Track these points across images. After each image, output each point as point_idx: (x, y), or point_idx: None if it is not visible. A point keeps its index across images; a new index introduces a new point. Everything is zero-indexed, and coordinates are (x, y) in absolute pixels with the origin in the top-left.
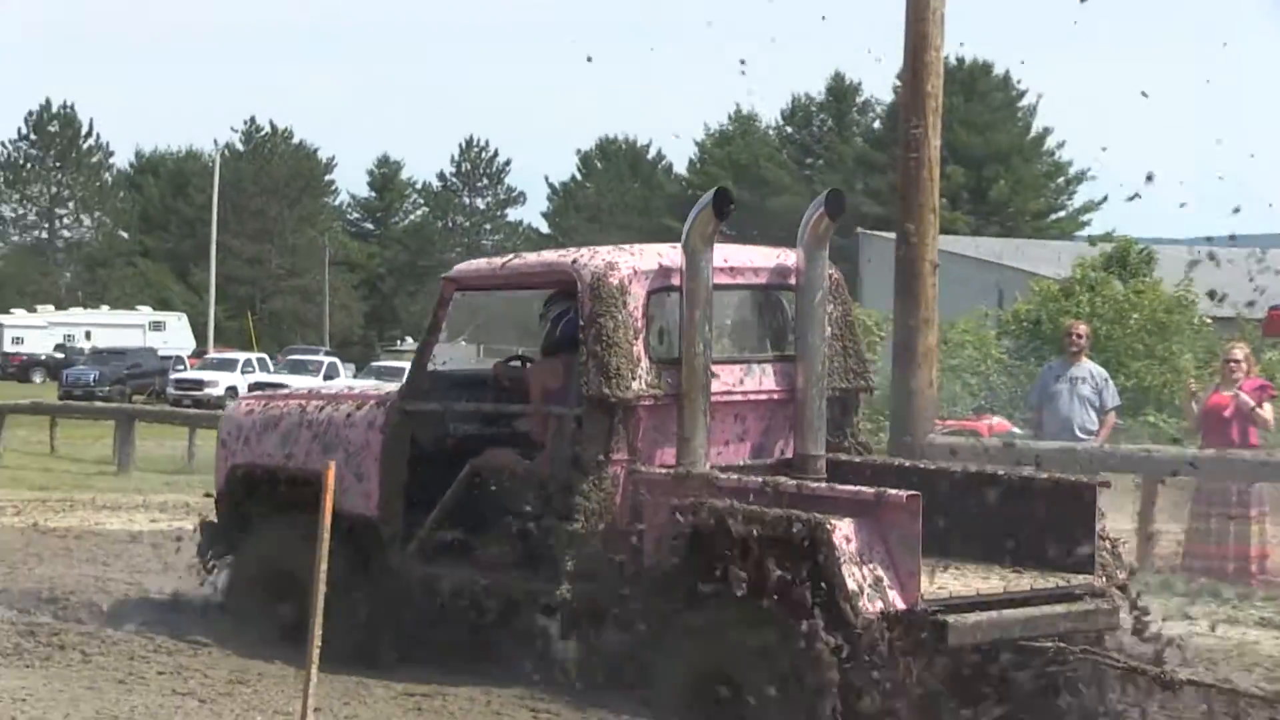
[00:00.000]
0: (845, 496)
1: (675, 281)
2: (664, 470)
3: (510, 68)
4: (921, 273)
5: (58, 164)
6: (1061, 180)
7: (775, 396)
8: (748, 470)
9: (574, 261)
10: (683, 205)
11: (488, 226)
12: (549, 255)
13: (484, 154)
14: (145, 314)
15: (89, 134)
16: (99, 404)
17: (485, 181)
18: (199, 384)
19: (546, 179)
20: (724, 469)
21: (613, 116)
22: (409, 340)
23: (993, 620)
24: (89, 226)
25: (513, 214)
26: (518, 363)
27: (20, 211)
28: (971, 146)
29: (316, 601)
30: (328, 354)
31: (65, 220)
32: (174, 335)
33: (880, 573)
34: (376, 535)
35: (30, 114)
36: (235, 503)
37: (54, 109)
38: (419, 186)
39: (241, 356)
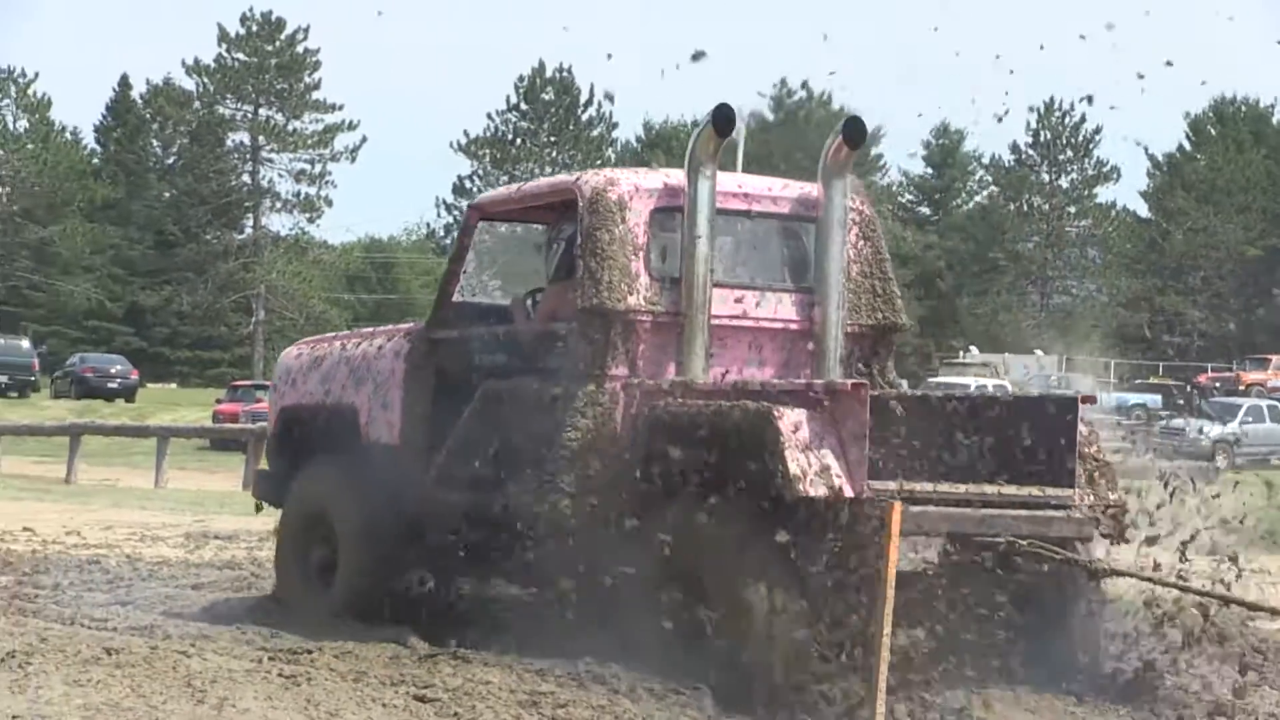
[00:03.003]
0: (800, 390)
1: (682, 202)
2: (651, 382)
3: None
4: None
5: (552, 139)
6: None
7: (793, 327)
8: None
9: (577, 179)
10: None
11: (1071, 209)
12: (559, 176)
13: (1068, 119)
14: None
15: (589, 103)
16: None
17: (1069, 154)
18: None
19: (1146, 150)
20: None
21: (1227, 70)
22: (974, 350)
23: (940, 514)
24: None
25: (1103, 193)
26: (540, 293)
27: None
28: None
29: (881, 648)
30: None
31: None
32: None
33: (829, 461)
34: (402, 465)
35: (520, 80)
36: (284, 447)
37: (548, 73)
38: (986, 161)
39: None
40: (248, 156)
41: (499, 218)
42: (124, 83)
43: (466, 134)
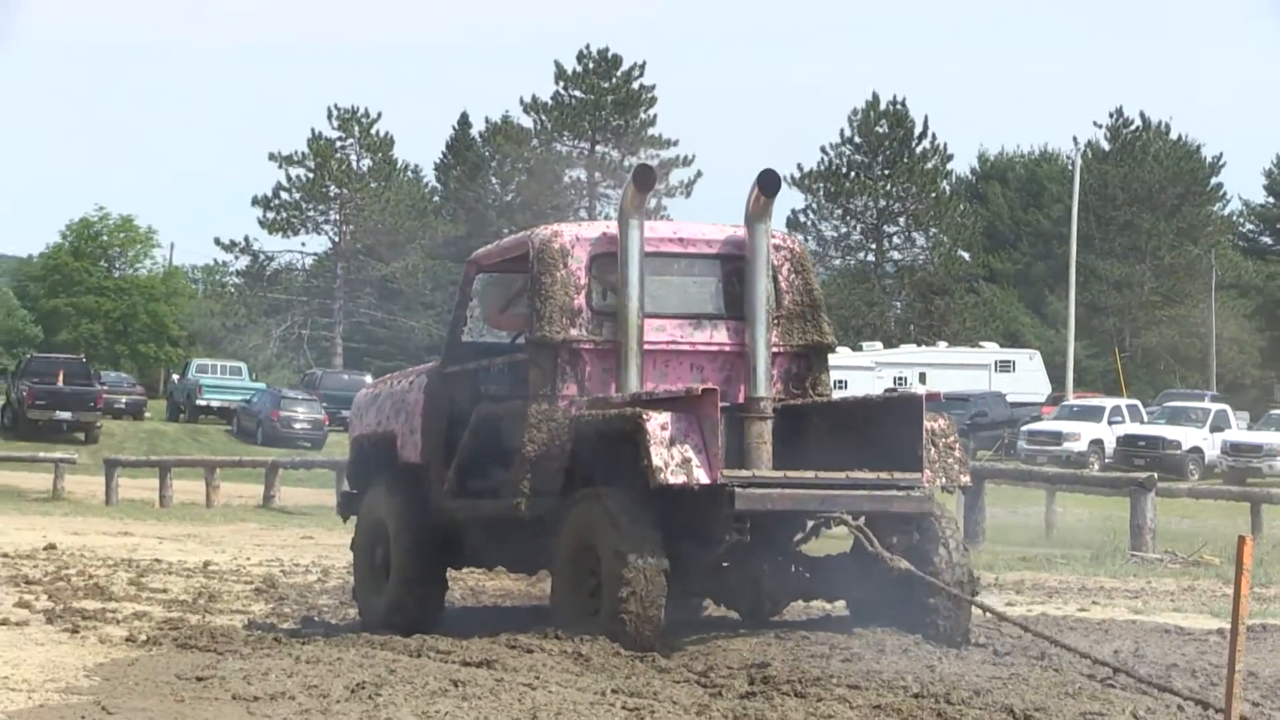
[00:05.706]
0: (674, 396)
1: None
2: (587, 398)
3: None
4: None
5: (886, 172)
6: None
7: (727, 349)
8: None
9: (530, 234)
10: None
11: None
12: (521, 233)
13: None
14: (991, 351)
15: (923, 135)
16: None
17: None
18: (1057, 437)
19: None
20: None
21: None
22: None
23: (784, 495)
24: (923, 247)
25: None
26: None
27: (843, 230)
28: None
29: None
30: (1214, 399)
31: (895, 240)
32: (1025, 377)
33: (690, 454)
34: (425, 480)
35: (854, 113)
36: (357, 470)
37: (882, 106)
38: None
39: (1108, 403)
40: (585, 193)
41: (490, 269)
42: (463, 121)
43: (800, 168)
